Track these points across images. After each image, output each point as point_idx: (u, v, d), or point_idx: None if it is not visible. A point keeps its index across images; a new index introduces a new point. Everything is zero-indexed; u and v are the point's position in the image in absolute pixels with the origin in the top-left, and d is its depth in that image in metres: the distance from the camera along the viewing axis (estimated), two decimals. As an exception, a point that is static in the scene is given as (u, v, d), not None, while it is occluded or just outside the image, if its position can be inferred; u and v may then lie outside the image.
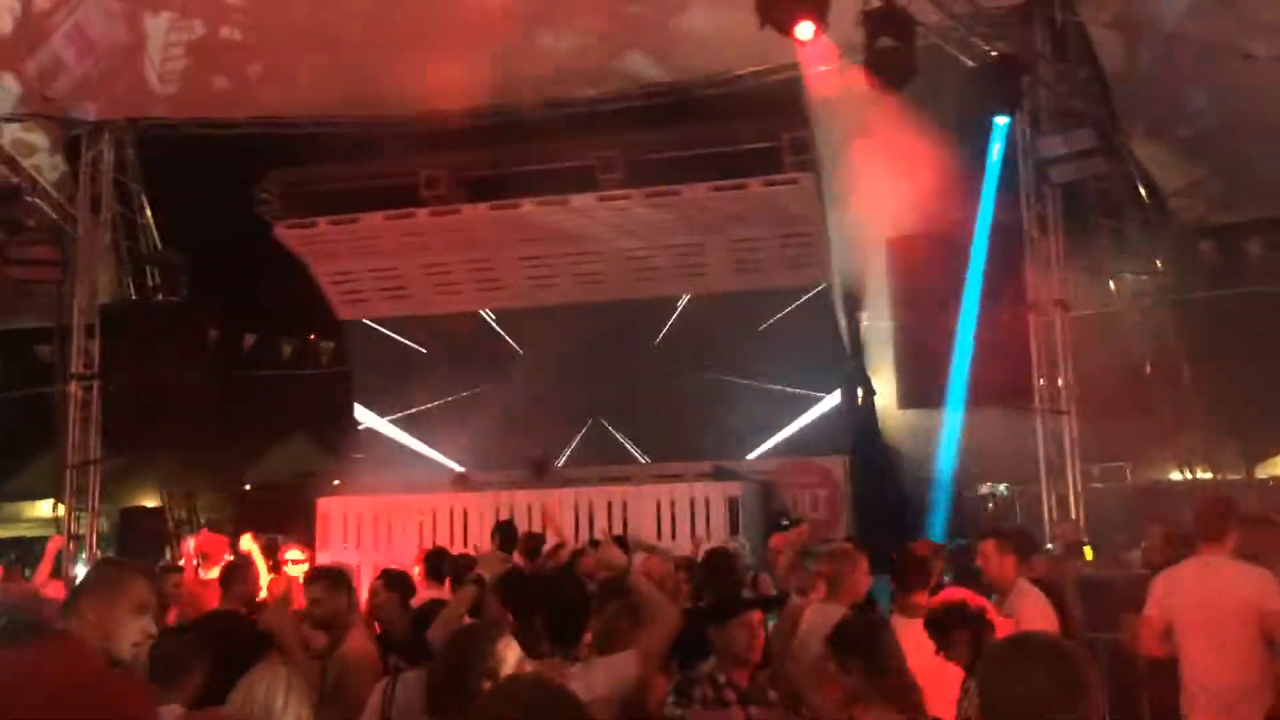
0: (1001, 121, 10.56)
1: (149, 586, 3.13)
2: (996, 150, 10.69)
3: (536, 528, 9.89)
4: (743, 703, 4.14)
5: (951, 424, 11.68)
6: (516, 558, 7.27)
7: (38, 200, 13.32)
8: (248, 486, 19.83)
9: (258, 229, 13.30)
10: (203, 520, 18.76)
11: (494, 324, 14.11)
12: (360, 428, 14.83)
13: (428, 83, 11.62)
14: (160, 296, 13.58)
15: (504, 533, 7.91)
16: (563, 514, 11.00)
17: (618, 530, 10.07)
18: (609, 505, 10.85)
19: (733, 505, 11.09)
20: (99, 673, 2.92)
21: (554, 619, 4.34)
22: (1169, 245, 11.54)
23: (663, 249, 13.05)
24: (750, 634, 4.29)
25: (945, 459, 12.01)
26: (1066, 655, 2.29)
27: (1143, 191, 11.17)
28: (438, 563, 6.98)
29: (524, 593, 5.15)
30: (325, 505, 12.40)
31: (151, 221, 13.94)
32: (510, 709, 2.25)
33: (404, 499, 12.22)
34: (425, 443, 13.77)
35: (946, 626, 4.26)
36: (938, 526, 10.82)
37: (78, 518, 13.27)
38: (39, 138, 13.48)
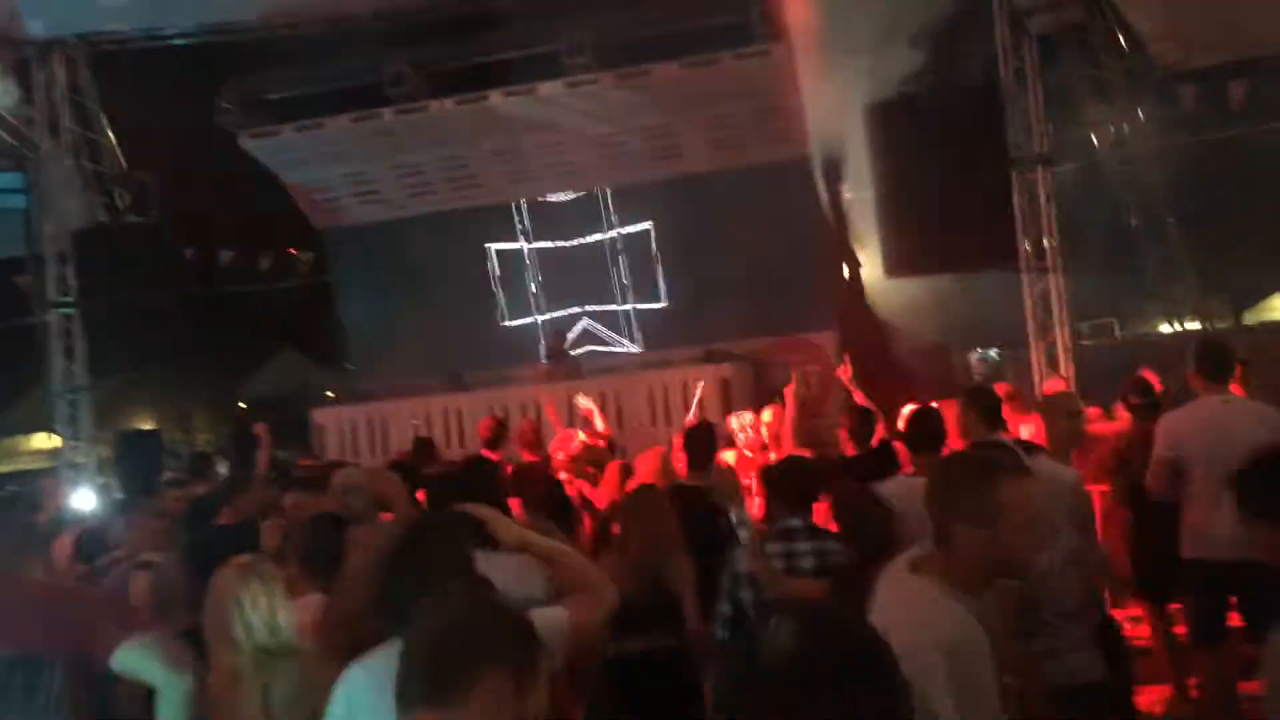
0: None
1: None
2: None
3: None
4: None
5: (939, 291, 11.63)
6: None
7: (-6, 128, 13.00)
8: (242, 404, 19.95)
9: (223, 141, 13.01)
10: (199, 440, 18.92)
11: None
12: (346, 336, 14.75)
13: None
14: (131, 218, 13.28)
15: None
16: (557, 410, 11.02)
17: (611, 420, 10.02)
18: (601, 397, 10.80)
19: (725, 387, 11.07)
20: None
21: None
22: (1150, 93, 11.34)
23: (637, 132, 12.79)
24: None
25: (935, 326, 12.00)
26: None
27: (1121, 39, 10.92)
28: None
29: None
30: (320, 416, 12.42)
31: (114, 141, 13.59)
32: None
33: (397, 404, 12.19)
34: (413, 345, 13.62)
35: None
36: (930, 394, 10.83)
37: (75, 446, 13.26)
38: (-12, 64, 13.08)
